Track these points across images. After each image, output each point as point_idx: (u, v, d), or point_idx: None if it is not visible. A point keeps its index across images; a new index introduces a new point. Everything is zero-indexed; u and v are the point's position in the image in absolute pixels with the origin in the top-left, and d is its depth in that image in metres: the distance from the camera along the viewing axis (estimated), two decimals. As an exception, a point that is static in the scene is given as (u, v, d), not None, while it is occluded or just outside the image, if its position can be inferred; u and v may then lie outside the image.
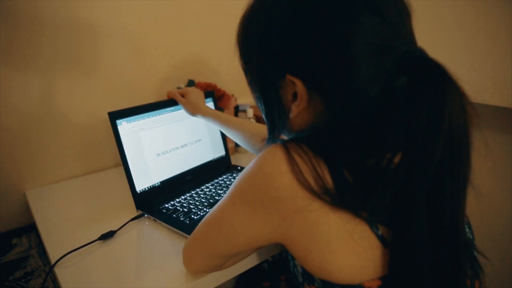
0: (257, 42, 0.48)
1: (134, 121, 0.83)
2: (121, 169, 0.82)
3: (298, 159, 0.43)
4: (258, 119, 1.22)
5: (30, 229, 0.96)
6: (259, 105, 0.52)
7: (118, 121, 0.79)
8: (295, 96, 0.47)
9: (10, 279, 0.79)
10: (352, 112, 0.44)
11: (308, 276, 0.47)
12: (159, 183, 0.87)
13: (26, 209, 0.97)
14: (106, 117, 0.78)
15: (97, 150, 1.09)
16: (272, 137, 0.53)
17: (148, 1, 1.08)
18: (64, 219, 0.82)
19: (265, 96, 0.50)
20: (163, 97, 1.15)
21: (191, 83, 1.19)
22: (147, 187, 0.84)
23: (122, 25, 1.05)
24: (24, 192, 0.97)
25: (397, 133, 0.42)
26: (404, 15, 0.44)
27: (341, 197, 0.42)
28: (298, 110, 0.47)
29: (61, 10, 0.94)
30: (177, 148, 0.93)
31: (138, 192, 0.82)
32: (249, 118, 1.21)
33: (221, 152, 1.04)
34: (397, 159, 0.42)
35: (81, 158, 1.06)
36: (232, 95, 1.16)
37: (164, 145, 0.89)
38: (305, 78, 0.45)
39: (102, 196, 0.94)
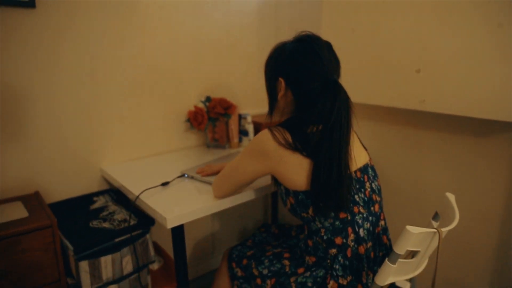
0: (272, 63, 1.00)
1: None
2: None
3: (276, 133, 0.93)
4: (255, 123, 1.74)
5: (104, 192, 1.45)
6: (268, 94, 1.03)
7: None
8: (280, 90, 0.98)
9: (100, 216, 1.27)
10: (304, 99, 0.95)
11: (286, 191, 0.98)
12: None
13: (101, 178, 1.47)
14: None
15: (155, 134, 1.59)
16: (271, 112, 1.04)
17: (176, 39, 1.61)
18: (132, 177, 1.31)
19: (270, 88, 1.02)
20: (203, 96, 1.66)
21: (208, 99, 1.71)
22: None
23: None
24: (100, 167, 1.46)
25: (317, 114, 0.92)
26: (333, 61, 0.96)
27: (295, 145, 0.92)
28: (280, 95, 0.99)
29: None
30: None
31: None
32: (249, 123, 1.72)
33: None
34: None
35: (139, 143, 1.56)
36: (237, 106, 1.68)
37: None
38: (286, 79, 0.96)
39: (154, 169, 1.43)
